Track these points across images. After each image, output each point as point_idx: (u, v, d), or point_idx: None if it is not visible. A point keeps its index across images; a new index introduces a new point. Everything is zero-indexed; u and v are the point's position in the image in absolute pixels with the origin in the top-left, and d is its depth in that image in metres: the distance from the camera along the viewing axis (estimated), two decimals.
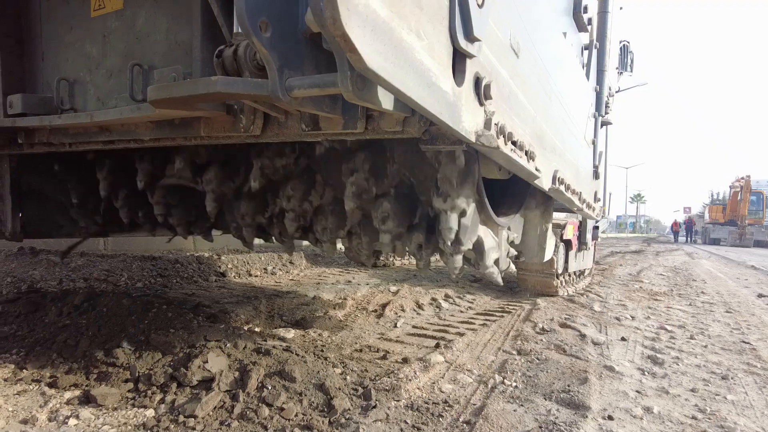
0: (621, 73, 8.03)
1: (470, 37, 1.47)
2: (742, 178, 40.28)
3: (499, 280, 2.78)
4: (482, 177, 2.48)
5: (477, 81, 1.62)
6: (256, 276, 6.93)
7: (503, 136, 1.83)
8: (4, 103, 2.57)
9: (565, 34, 2.92)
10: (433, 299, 5.57)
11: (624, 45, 7.99)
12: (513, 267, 6.08)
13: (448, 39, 1.42)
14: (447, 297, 5.80)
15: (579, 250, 6.64)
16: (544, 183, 2.55)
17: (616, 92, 8.05)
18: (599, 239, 8.08)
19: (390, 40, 1.13)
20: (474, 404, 2.56)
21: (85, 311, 3.42)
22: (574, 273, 6.89)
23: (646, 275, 9.76)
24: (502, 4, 1.82)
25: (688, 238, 46.98)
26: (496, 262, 2.79)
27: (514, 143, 1.96)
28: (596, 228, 7.27)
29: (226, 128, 2.10)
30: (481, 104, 1.68)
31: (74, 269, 5.59)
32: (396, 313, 4.80)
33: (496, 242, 2.81)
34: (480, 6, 1.50)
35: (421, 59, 1.27)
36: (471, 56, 1.52)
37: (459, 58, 1.51)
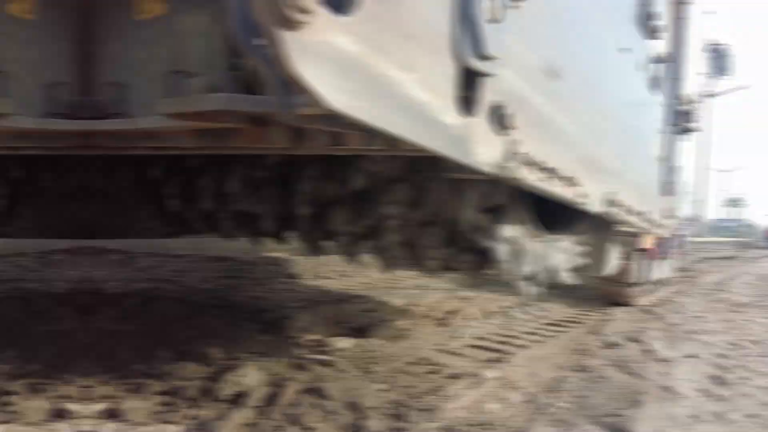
0: (717, 77, 7.83)
1: (482, 56, 1.32)
2: None
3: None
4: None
5: (495, 110, 1.46)
6: (327, 278, 6.78)
7: (531, 166, 1.66)
8: None
9: (626, 46, 2.66)
10: (506, 307, 5.31)
11: (721, 48, 7.56)
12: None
13: (452, 64, 1.27)
14: (520, 305, 5.44)
15: (659, 259, 6.31)
16: (594, 206, 2.36)
17: (712, 96, 7.64)
18: (686, 247, 7.59)
19: (363, 77, 0.99)
20: (512, 427, 2.40)
21: (135, 316, 3.48)
22: (653, 283, 6.48)
23: (732, 284, 9.01)
24: (537, 20, 1.65)
25: None
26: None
27: (548, 171, 1.79)
28: (681, 236, 6.88)
29: (257, 140, 2.07)
30: (502, 134, 1.51)
31: (143, 269, 5.79)
32: (462, 322, 4.59)
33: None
34: (496, 23, 1.35)
35: (412, 93, 1.13)
36: (485, 74, 1.36)
37: (470, 85, 1.36)
